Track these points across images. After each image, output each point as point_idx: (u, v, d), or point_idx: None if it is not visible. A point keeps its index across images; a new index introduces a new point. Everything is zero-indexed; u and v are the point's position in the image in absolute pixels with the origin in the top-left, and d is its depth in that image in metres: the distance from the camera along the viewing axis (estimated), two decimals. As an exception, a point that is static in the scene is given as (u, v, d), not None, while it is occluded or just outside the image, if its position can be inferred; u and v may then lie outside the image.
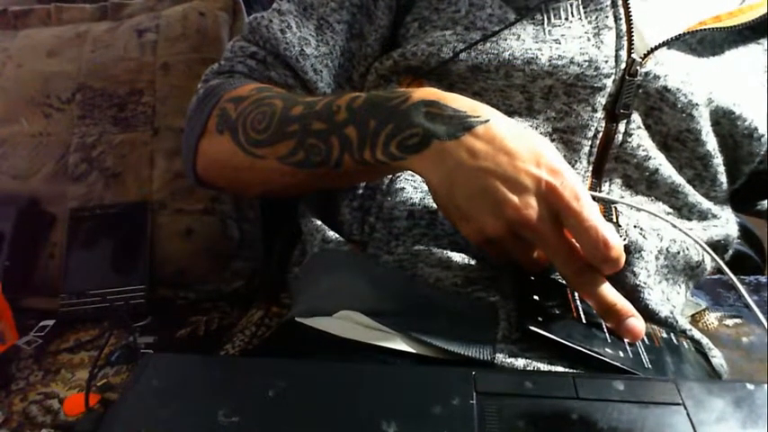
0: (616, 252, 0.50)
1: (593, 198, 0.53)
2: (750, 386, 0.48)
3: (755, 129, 0.69)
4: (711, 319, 0.87)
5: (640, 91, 0.66)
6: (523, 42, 0.65)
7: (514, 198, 0.51)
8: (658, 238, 0.65)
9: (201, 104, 0.71)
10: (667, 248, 0.65)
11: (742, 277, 0.95)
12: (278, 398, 0.45)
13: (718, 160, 0.70)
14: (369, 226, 0.66)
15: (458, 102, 0.55)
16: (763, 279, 0.96)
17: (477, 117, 0.53)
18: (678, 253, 0.66)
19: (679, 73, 0.66)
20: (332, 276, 0.64)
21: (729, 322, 0.85)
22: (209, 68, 0.76)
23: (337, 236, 0.66)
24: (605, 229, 0.50)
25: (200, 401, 0.45)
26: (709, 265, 0.70)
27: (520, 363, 0.54)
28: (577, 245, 0.52)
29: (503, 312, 0.57)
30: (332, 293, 0.63)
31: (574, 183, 0.51)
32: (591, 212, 0.50)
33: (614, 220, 0.64)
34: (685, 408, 0.45)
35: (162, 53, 1.06)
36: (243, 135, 0.64)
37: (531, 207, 0.51)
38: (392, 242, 0.64)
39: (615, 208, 0.65)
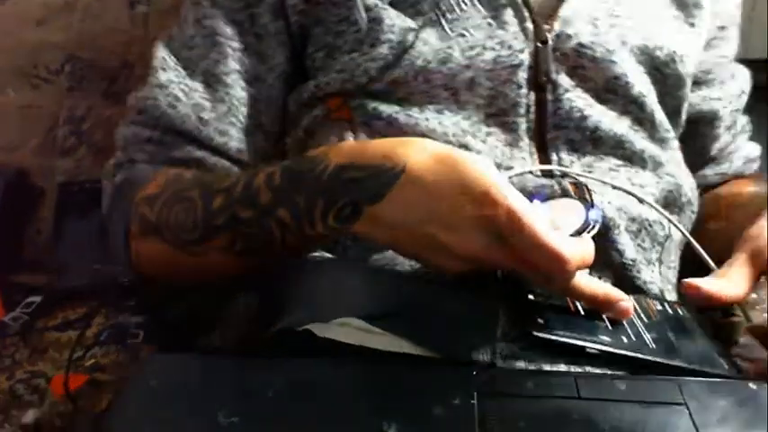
0: (572, 264, 0.48)
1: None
2: (753, 386, 0.48)
3: (674, 51, 0.70)
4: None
5: (557, 54, 0.67)
6: (432, 45, 0.65)
7: (455, 239, 0.50)
8: (625, 217, 0.65)
9: (115, 205, 0.68)
10: (630, 228, 0.65)
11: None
12: (278, 398, 0.44)
13: (652, 98, 0.70)
14: (342, 246, 0.65)
15: (370, 151, 0.53)
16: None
17: (394, 167, 0.51)
18: (640, 231, 0.66)
19: (587, 26, 0.67)
20: (326, 283, 0.63)
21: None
22: (108, 163, 0.72)
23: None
24: (555, 243, 0.48)
25: (200, 401, 0.45)
26: (677, 235, 0.70)
27: (520, 363, 0.54)
28: None
29: (501, 311, 0.56)
30: (328, 300, 0.62)
31: (507, 203, 0.48)
32: (534, 230, 0.47)
33: (588, 198, 0.63)
34: (687, 408, 0.45)
35: (154, 26, 1.03)
36: (172, 236, 0.61)
37: (474, 242, 0.49)
38: (372, 255, 0.63)
39: (587, 187, 0.64)
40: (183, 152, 0.69)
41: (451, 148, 0.54)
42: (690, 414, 0.44)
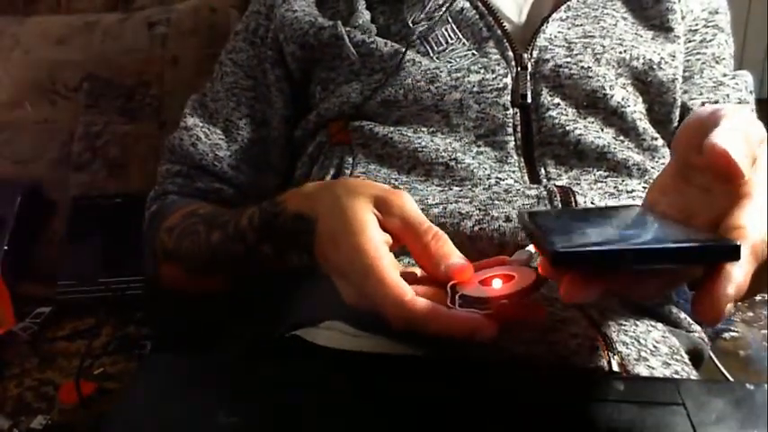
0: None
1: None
2: (750, 386, 0.48)
3: (650, 60, 0.73)
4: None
5: (537, 76, 0.71)
6: (420, 65, 0.70)
7: (352, 294, 0.50)
8: None
9: (148, 232, 0.77)
10: None
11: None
12: (278, 398, 0.45)
13: (633, 108, 0.72)
14: None
15: (309, 201, 0.56)
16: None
17: (314, 220, 0.54)
18: None
19: (562, 49, 0.72)
20: (311, 289, 0.64)
21: (726, 336, 0.86)
22: (150, 194, 0.81)
23: None
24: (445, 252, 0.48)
25: (200, 401, 0.45)
26: None
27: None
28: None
29: None
30: (314, 305, 0.63)
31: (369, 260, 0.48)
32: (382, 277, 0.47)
33: (573, 202, 0.65)
34: (685, 408, 0.45)
35: (172, 47, 1.06)
36: (185, 264, 0.70)
37: (356, 296, 0.50)
38: None
39: (571, 189, 0.66)
40: (205, 184, 0.78)
41: (349, 192, 0.53)
42: (687, 414, 0.45)
